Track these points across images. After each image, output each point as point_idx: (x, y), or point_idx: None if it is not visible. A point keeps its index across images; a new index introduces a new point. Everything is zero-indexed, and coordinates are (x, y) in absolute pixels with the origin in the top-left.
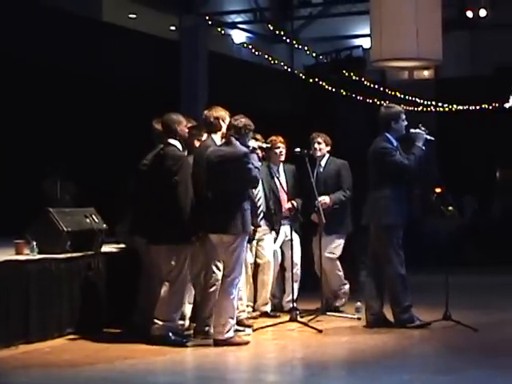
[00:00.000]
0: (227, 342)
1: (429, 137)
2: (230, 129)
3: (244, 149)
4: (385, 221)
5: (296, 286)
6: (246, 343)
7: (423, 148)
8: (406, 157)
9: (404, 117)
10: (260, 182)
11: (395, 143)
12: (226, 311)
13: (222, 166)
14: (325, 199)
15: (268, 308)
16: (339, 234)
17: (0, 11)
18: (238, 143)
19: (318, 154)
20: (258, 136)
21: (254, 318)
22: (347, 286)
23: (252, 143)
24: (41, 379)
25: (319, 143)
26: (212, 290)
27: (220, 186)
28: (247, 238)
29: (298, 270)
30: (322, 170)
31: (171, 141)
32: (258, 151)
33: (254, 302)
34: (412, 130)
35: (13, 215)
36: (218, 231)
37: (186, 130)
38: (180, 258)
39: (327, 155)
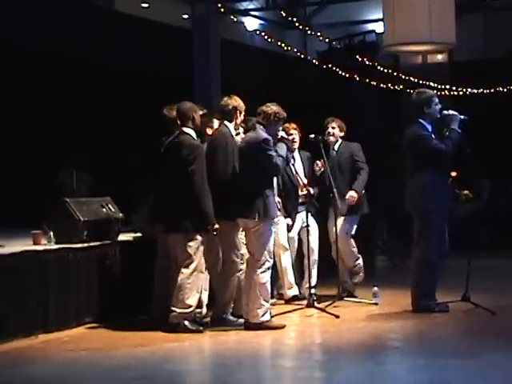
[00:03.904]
0: (263, 326)
1: (463, 116)
2: (260, 114)
3: (264, 135)
4: (425, 206)
5: (314, 272)
6: (283, 327)
7: (459, 130)
8: (443, 141)
9: (437, 100)
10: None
11: (430, 129)
12: (260, 295)
13: (245, 152)
14: (352, 194)
15: (295, 291)
16: (354, 215)
17: (14, 1)
18: (261, 130)
19: (332, 138)
20: (287, 124)
21: (272, 304)
22: (361, 260)
23: (280, 132)
24: (60, 368)
25: (333, 128)
26: (232, 278)
27: (242, 171)
28: (272, 223)
29: (315, 256)
30: (335, 153)
31: (186, 129)
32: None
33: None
34: (445, 112)
35: (30, 206)
36: (241, 216)
37: (199, 119)
38: (196, 246)
39: (340, 140)
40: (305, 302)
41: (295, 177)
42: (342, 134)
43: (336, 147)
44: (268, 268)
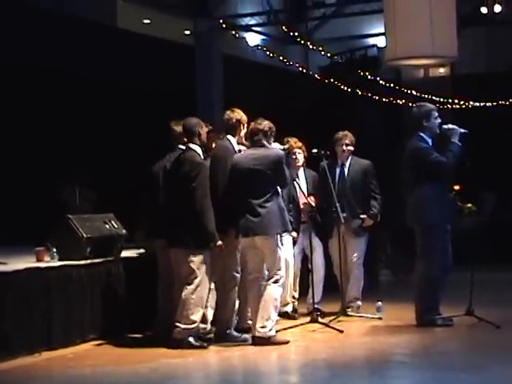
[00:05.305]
0: (269, 341)
1: (463, 130)
2: (257, 133)
3: (281, 150)
4: (427, 220)
5: (320, 287)
6: (287, 342)
7: (459, 144)
8: (444, 154)
9: (436, 115)
10: None
11: (430, 142)
12: (269, 310)
13: (260, 169)
14: (366, 220)
15: (289, 308)
16: (364, 236)
17: (16, 19)
18: (270, 146)
19: (345, 155)
20: (293, 140)
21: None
22: (360, 303)
23: (277, 145)
24: None
25: (347, 145)
26: (232, 293)
27: (257, 189)
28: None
29: (321, 271)
30: (346, 171)
31: (192, 145)
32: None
33: None
34: (445, 127)
35: (33, 223)
36: (259, 233)
37: (205, 135)
38: (199, 261)
39: (350, 156)
40: (295, 321)
41: (299, 194)
42: (352, 149)
43: (347, 164)
44: (282, 282)
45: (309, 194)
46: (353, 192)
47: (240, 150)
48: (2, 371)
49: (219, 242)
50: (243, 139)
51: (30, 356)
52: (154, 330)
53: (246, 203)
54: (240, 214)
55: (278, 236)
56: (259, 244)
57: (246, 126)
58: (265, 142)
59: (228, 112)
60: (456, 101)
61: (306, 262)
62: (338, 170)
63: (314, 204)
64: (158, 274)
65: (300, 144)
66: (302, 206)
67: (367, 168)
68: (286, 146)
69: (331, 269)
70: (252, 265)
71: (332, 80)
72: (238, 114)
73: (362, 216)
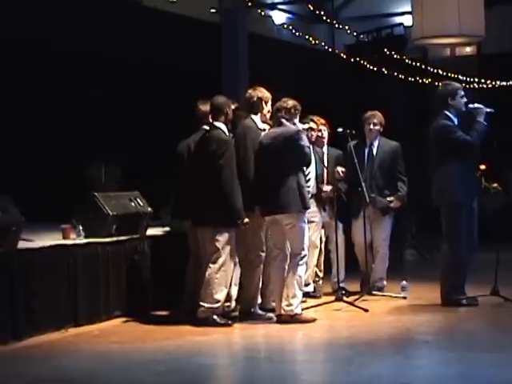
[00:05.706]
0: (295, 319)
1: (489, 109)
2: (280, 110)
3: (295, 127)
4: (451, 199)
5: (342, 266)
6: (314, 320)
7: (485, 123)
8: (469, 133)
9: (462, 93)
10: (312, 162)
11: (455, 120)
12: (294, 288)
13: (276, 147)
14: (394, 202)
15: (310, 288)
16: (390, 215)
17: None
18: (288, 123)
19: (373, 135)
20: (316, 117)
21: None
22: (385, 283)
23: (299, 125)
24: (90, 361)
25: (375, 124)
26: (256, 271)
27: (275, 167)
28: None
29: (342, 251)
30: (375, 151)
31: (217, 124)
32: (311, 133)
33: None
34: (471, 106)
35: (59, 201)
36: (279, 212)
37: (232, 113)
38: (224, 241)
39: (379, 136)
40: (319, 300)
41: (323, 172)
42: (381, 130)
43: (375, 144)
44: (305, 260)
45: (329, 176)
46: (380, 172)
47: (265, 129)
48: (30, 347)
49: (246, 220)
50: (267, 117)
51: (56, 332)
52: (179, 308)
53: (265, 181)
54: (261, 192)
55: (301, 214)
56: (280, 221)
57: (268, 103)
58: (283, 121)
59: (249, 90)
60: (482, 80)
61: (325, 242)
62: (366, 150)
63: (341, 176)
64: (189, 253)
65: (323, 121)
66: (322, 188)
67: (396, 149)
68: (308, 125)
69: (352, 249)
70: (274, 241)
71: (358, 59)
72: (260, 92)
73: (389, 198)
